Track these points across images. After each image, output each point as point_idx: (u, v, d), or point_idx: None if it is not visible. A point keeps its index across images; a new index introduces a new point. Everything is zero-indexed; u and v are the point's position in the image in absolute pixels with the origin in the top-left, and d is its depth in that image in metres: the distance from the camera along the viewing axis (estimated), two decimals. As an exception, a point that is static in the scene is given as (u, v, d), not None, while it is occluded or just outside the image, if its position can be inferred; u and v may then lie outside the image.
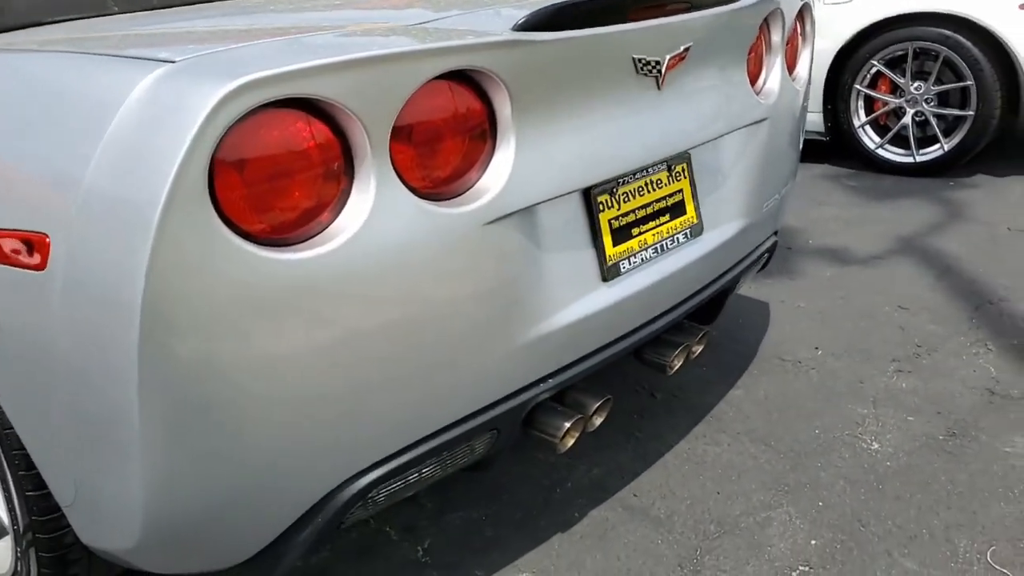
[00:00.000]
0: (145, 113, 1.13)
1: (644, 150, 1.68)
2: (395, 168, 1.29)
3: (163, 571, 1.41)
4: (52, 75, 1.30)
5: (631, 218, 1.74)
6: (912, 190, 4.40)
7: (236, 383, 1.21)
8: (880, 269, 3.41)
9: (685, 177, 1.87)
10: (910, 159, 4.62)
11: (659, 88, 1.70)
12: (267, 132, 1.17)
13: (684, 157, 1.85)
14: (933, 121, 4.51)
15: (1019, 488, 2.04)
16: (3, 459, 1.52)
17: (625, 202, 1.72)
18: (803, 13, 2.28)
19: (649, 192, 1.78)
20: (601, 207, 1.67)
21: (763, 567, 1.83)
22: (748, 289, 3.26)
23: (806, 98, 2.36)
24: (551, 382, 1.65)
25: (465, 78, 1.38)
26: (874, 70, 4.59)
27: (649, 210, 1.78)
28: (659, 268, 1.80)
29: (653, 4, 1.67)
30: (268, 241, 1.19)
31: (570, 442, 1.78)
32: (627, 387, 2.57)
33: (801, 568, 1.82)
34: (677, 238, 1.85)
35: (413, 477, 1.56)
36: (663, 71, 1.67)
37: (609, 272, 1.69)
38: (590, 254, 1.67)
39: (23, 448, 1.42)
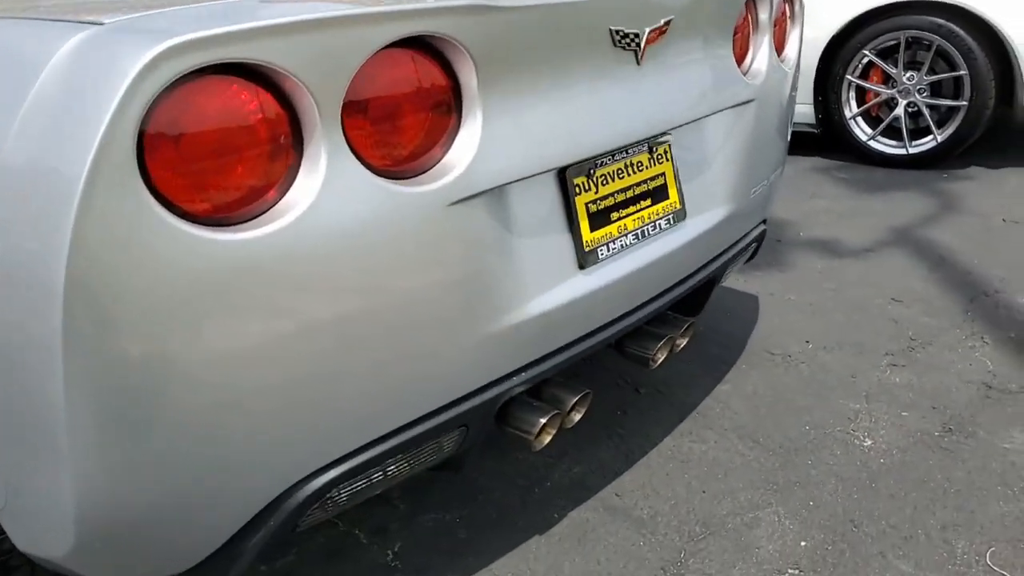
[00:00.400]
0: (69, 78, 1.03)
1: (623, 129, 1.59)
2: (349, 143, 1.20)
3: (106, 579, 1.31)
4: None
5: (610, 202, 1.64)
6: (905, 182, 4.31)
7: (173, 375, 1.11)
8: (872, 261, 3.32)
9: (667, 159, 1.77)
10: (903, 151, 4.54)
11: (638, 63, 1.60)
12: (205, 102, 1.07)
13: (666, 138, 1.76)
14: (926, 112, 4.43)
15: (1018, 486, 1.95)
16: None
17: (603, 185, 1.63)
18: (792, -9, 2.19)
19: (629, 175, 1.68)
20: (578, 189, 1.58)
21: (750, 570, 1.74)
22: (736, 281, 3.16)
23: (795, 82, 2.27)
24: (524, 375, 1.55)
25: (426, 47, 1.28)
26: (866, 60, 4.50)
27: (629, 194, 1.69)
28: (640, 255, 1.70)
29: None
30: (207, 220, 1.09)
31: (546, 439, 1.68)
32: (610, 382, 2.47)
33: (791, 571, 1.73)
34: (659, 224, 1.75)
35: (377, 476, 1.47)
36: (642, 45, 1.58)
37: (586, 259, 1.59)
38: (566, 239, 1.57)
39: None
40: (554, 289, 1.54)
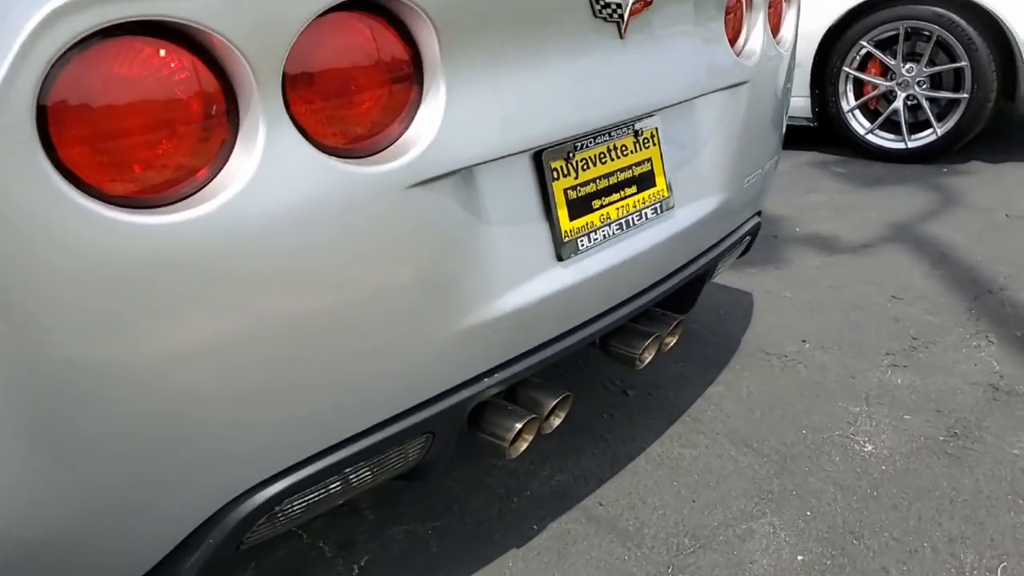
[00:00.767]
0: (-39, 38, 0.90)
1: (604, 109, 1.46)
2: (292, 117, 1.06)
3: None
4: None
5: (591, 188, 1.51)
6: (904, 177, 4.19)
7: (91, 378, 0.98)
8: (872, 258, 3.20)
9: (655, 144, 1.64)
10: (901, 145, 4.41)
11: (621, 36, 1.47)
12: (120, 66, 0.94)
13: (653, 121, 1.63)
14: (925, 105, 4.30)
15: (1030, 494, 1.82)
16: None
17: (584, 170, 1.50)
18: (788, -31, 2.07)
19: (612, 159, 1.55)
20: (555, 174, 1.45)
21: (743, 587, 1.61)
22: (729, 277, 3.03)
23: (792, 65, 2.14)
24: (497, 376, 1.42)
25: (382, 10, 1.15)
26: (864, 52, 4.38)
27: (612, 180, 1.56)
28: (624, 247, 1.57)
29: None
30: (125, 202, 0.96)
31: (522, 446, 1.56)
32: (597, 384, 2.34)
33: (786, 588, 1.61)
34: (645, 213, 1.62)
35: (335, 487, 1.34)
36: (625, 16, 1.45)
37: (565, 249, 1.46)
38: (542, 228, 1.44)
39: None
40: (529, 282, 1.41)
